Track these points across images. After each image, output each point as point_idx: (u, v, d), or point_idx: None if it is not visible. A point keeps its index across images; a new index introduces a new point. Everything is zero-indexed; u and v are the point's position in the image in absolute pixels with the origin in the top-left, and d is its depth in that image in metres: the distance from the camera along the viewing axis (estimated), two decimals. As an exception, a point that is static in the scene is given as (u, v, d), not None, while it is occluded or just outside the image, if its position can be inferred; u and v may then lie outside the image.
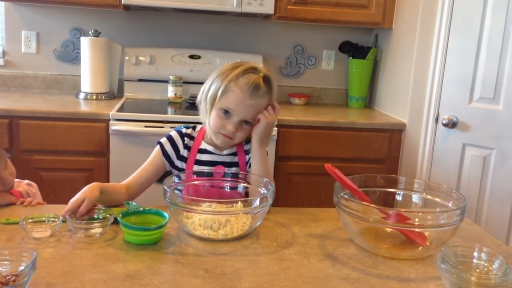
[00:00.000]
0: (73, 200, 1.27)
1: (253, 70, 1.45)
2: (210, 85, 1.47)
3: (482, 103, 2.40)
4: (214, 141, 1.51)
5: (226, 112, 1.44)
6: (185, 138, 1.56)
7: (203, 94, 1.50)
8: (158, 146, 1.55)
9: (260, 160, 1.49)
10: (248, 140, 1.56)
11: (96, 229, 1.22)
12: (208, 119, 1.48)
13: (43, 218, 1.22)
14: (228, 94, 1.42)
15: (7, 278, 0.89)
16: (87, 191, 1.29)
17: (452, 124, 2.48)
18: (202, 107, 1.51)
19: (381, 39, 3.09)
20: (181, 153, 1.54)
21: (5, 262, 0.97)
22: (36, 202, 1.42)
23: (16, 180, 1.53)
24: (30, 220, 1.20)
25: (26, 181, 1.59)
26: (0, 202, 1.38)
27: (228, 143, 1.49)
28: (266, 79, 1.44)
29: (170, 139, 1.56)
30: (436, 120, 2.56)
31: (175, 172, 1.54)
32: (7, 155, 1.46)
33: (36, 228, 1.18)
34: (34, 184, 1.59)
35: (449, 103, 2.51)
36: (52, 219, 1.22)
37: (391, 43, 2.95)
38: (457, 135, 2.49)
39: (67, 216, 1.23)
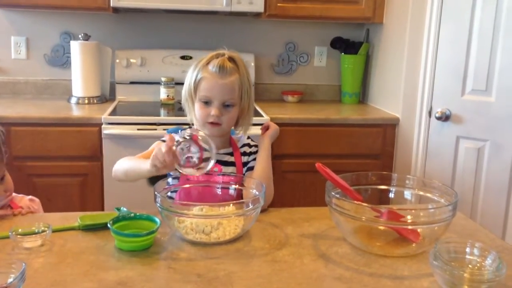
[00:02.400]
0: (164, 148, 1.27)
1: (217, 55, 1.51)
2: (186, 84, 1.54)
3: (475, 95, 2.40)
4: (207, 132, 1.52)
5: (206, 101, 1.49)
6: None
7: (184, 94, 1.55)
8: (159, 142, 1.55)
9: (268, 161, 1.55)
10: (243, 144, 1.60)
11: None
12: (194, 115, 1.54)
13: (33, 228, 1.21)
14: (201, 84, 1.49)
15: (-5, 291, 0.89)
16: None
17: (445, 117, 2.48)
18: (186, 106, 1.57)
19: (372, 34, 3.08)
20: None
21: (-6, 274, 0.96)
22: (26, 211, 1.40)
23: (19, 195, 1.51)
24: (20, 230, 1.19)
25: (30, 197, 1.56)
26: None
27: (217, 131, 1.52)
28: (231, 59, 1.50)
29: None
30: (429, 113, 2.55)
31: (172, 172, 1.55)
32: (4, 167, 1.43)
33: (26, 238, 1.17)
34: (37, 200, 1.56)
35: (441, 96, 2.50)
36: (42, 228, 1.21)
37: (382, 37, 2.95)
38: (450, 128, 2.49)
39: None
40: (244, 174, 1.55)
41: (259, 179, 1.42)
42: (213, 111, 1.47)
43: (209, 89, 1.48)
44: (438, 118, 2.49)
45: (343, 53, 3.12)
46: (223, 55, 1.50)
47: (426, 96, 2.55)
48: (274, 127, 1.63)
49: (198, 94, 1.50)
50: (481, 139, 2.40)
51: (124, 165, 1.47)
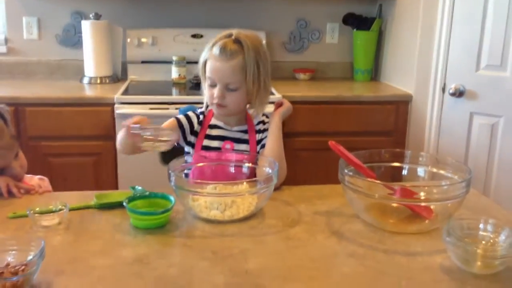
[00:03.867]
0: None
1: (226, 35, 1.49)
2: (199, 63, 1.54)
3: (489, 70, 2.37)
4: (215, 112, 1.56)
5: (211, 83, 1.50)
6: (200, 116, 1.60)
7: (199, 71, 1.56)
8: (173, 119, 1.58)
9: (278, 137, 1.54)
10: (259, 122, 1.60)
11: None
12: (205, 93, 1.55)
13: (51, 206, 1.23)
14: (208, 65, 1.50)
15: (16, 267, 0.91)
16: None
17: (459, 93, 2.45)
18: (201, 83, 1.58)
19: (385, 9, 3.04)
20: (195, 128, 1.58)
21: (14, 252, 0.98)
22: (43, 190, 1.43)
23: (28, 175, 1.53)
24: (37, 209, 1.21)
25: (39, 176, 1.59)
26: None
27: (222, 112, 1.53)
28: (237, 40, 1.47)
29: (186, 115, 1.59)
30: (443, 89, 2.52)
31: (187, 148, 1.59)
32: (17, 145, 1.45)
33: (44, 217, 1.19)
34: (46, 179, 1.59)
35: (455, 72, 2.47)
36: (60, 207, 1.23)
37: (395, 13, 2.90)
38: (464, 104, 2.46)
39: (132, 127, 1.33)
40: (258, 152, 1.56)
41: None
42: (216, 93, 1.48)
43: (212, 71, 1.48)
44: (452, 94, 2.47)
45: (355, 30, 3.08)
46: (230, 35, 1.48)
47: (440, 72, 2.52)
48: (287, 105, 1.61)
49: (206, 75, 1.51)
50: (495, 115, 2.37)
51: (118, 137, 1.52)
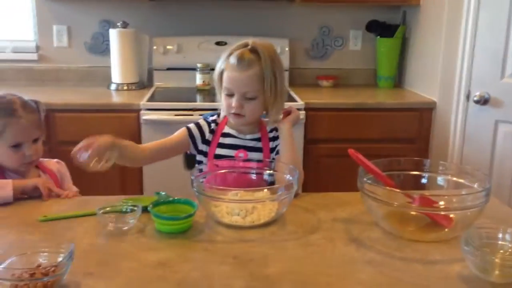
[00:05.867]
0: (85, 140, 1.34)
1: (243, 46, 1.50)
2: (214, 72, 1.56)
3: (515, 78, 2.35)
4: (231, 122, 1.57)
5: (228, 92, 1.51)
6: (212, 124, 1.62)
7: (214, 82, 1.58)
8: (184, 128, 1.61)
9: (292, 144, 1.55)
10: (272, 129, 1.61)
11: (127, 223, 1.25)
12: (222, 103, 1.56)
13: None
14: (223, 75, 1.51)
15: (47, 269, 0.96)
16: (100, 137, 1.37)
17: (483, 101, 2.43)
18: (217, 93, 1.59)
19: (409, 16, 3.03)
20: (207, 137, 1.60)
21: (45, 253, 1.03)
22: (72, 194, 1.49)
23: (45, 159, 1.62)
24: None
25: (56, 160, 1.67)
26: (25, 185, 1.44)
27: (240, 121, 1.54)
28: (253, 50, 1.48)
29: (197, 124, 1.62)
30: (467, 97, 2.51)
31: (198, 157, 1.61)
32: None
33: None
34: (63, 163, 1.67)
35: (480, 79, 2.45)
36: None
37: (419, 19, 2.89)
38: (489, 112, 2.44)
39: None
40: (273, 159, 1.57)
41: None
42: (233, 103, 1.49)
43: (229, 81, 1.49)
44: (477, 102, 2.45)
45: (379, 37, 3.08)
46: (246, 45, 1.49)
47: (464, 79, 2.50)
48: (295, 113, 1.61)
49: (223, 85, 1.52)
50: (521, 123, 2.35)
51: None
